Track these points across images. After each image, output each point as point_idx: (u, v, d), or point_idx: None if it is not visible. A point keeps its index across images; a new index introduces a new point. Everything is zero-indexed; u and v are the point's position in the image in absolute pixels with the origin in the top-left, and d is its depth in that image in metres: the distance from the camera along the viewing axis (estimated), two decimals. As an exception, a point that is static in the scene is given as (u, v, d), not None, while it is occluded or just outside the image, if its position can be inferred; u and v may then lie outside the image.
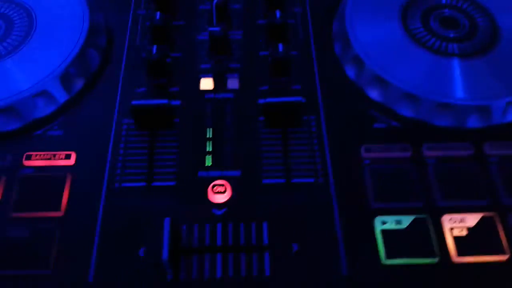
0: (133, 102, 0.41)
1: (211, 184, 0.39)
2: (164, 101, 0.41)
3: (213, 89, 0.45)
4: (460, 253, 0.36)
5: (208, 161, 0.41)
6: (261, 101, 0.41)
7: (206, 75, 0.46)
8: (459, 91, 0.42)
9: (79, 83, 0.44)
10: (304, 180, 0.40)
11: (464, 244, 0.37)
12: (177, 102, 0.44)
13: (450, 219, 0.38)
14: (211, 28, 0.45)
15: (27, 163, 0.40)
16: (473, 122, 0.42)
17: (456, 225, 0.38)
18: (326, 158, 0.41)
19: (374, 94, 0.44)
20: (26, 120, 0.42)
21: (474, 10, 0.48)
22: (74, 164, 0.40)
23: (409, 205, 0.38)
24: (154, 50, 0.43)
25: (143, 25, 0.49)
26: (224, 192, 0.39)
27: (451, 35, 0.46)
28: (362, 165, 0.40)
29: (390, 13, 0.47)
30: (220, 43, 0.46)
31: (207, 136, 0.42)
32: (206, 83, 0.45)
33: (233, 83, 0.45)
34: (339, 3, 0.50)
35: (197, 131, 0.42)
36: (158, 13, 0.46)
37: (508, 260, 0.36)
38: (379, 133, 0.42)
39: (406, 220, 0.38)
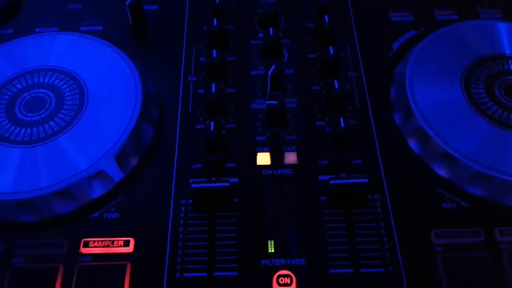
0: (193, 186, 0.40)
1: (276, 275, 0.38)
2: (225, 184, 0.40)
3: (271, 164, 0.44)
4: None
5: (271, 247, 0.39)
6: (330, 181, 0.39)
7: (262, 149, 0.44)
8: (532, 169, 0.41)
9: (134, 160, 0.43)
10: (374, 270, 0.38)
11: None
12: (235, 180, 0.43)
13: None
14: (268, 102, 0.44)
15: (84, 250, 0.39)
16: (548, 203, 0.41)
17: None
18: (395, 243, 0.39)
19: (441, 170, 0.42)
20: (82, 202, 0.41)
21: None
22: (133, 252, 0.39)
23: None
24: (212, 127, 0.42)
25: (195, 93, 0.48)
26: (290, 284, 0.37)
27: (518, 105, 0.44)
28: (434, 252, 0.38)
29: (452, 79, 0.46)
30: (277, 116, 0.44)
31: (269, 218, 0.41)
32: (263, 158, 0.44)
33: (291, 157, 0.44)
34: (396, 66, 0.49)
35: (257, 213, 0.41)
36: (213, 84, 0.45)
37: None
38: (449, 215, 0.40)
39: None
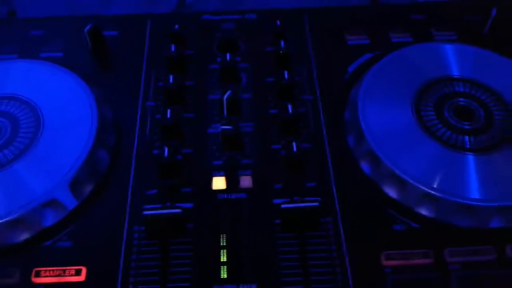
0: (145, 212, 0.40)
1: (228, 301, 0.38)
2: (178, 210, 0.40)
3: (226, 188, 0.44)
4: None
5: (223, 273, 0.40)
6: (281, 205, 0.40)
7: (218, 173, 0.45)
8: (478, 190, 0.41)
9: (88, 187, 0.43)
10: (325, 293, 0.38)
11: None
12: (190, 205, 0.43)
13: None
14: (223, 127, 0.44)
15: (36, 280, 0.38)
16: (496, 223, 0.42)
17: None
18: (346, 266, 0.39)
19: (391, 192, 0.43)
20: (34, 231, 0.40)
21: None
22: (84, 280, 0.38)
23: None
24: (166, 152, 0.43)
25: (153, 118, 0.48)
26: (242, 309, 0.38)
27: (466, 127, 0.45)
28: (384, 274, 0.39)
29: (403, 102, 0.46)
30: (232, 140, 0.45)
31: (221, 244, 0.41)
32: (219, 183, 0.44)
33: (246, 181, 0.44)
34: (351, 89, 0.50)
35: (211, 238, 0.41)
36: (169, 110, 0.45)
37: None
38: (399, 236, 0.41)
39: None
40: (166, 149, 0.43)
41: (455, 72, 0.49)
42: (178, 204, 0.42)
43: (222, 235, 0.41)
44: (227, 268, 0.39)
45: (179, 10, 0.65)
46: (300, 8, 0.58)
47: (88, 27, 0.52)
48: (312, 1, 0.67)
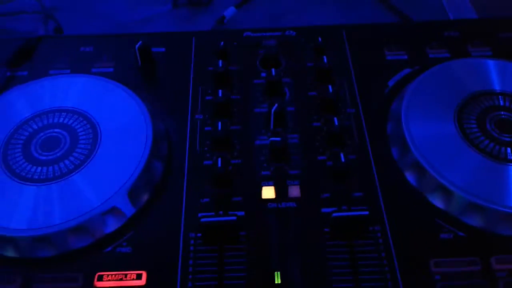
0: (202, 220, 0.42)
1: (283, 305, 0.40)
2: (233, 218, 0.42)
3: (275, 198, 0.46)
4: None
5: (277, 279, 0.41)
6: (332, 214, 0.41)
7: (267, 182, 0.47)
8: (525, 200, 0.43)
9: (144, 196, 0.45)
10: (377, 300, 0.40)
11: None
12: (241, 213, 0.44)
13: None
14: (272, 138, 0.46)
15: (99, 284, 0.40)
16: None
17: None
18: (397, 273, 0.41)
19: (437, 201, 0.44)
20: (95, 237, 0.43)
21: None
22: (145, 285, 0.40)
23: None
24: (219, 162, 0.45)
25: (202, 130, 0.50)
26: (297, 313, 0.39)
27: (507, 139, 0.47)
28: (433, 281, 0.40)
29: (445, 115, 0.48)
30: (280, 151, 0.47)
31: (275, 250, 0.42)
32: (268, 192, 0.46)
33: (295, 191, 0.46)
34: (392, 103, 0.52)
35: (264, 245, 0.42)
36: (220, 122, 0.48)
37: None
38: (446, 245, 0.42)
39: None
40: (220, 160, 0.45)
41: (496, 86, 0.50)
42: (230, 212, 0.44)
43: (274, 243, 0.43)
44: (280, 274, 0.41)
45: (218, 28, 0.68)
46: (338, 25, 0.61)
47: (138, 43, 0.54)
48: (336, 18, 0.69)
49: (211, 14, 0.73)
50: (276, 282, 0.41)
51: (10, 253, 0.42)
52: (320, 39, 0.56)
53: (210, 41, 0.58)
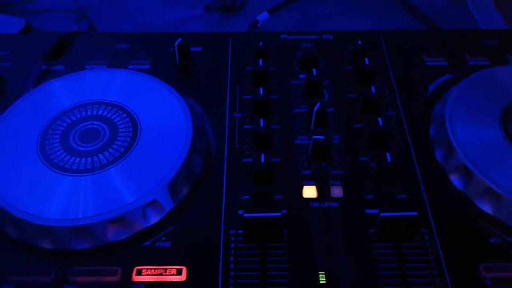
0: (246, 215, 0.41)
1: (329, 307, 0.38)
2: (278, 214, 0.41)
3: (317, 197, 0.45)
4: None
5: (322, 279, 0.40)
6: (380, 214, 0.40)
7: (308, 182, 0.46)
8: None
9: (184, 190, 0.44)
10: (428, 306, 0.38)
11: None
12: (283, 212, 0.43)
13: None
14: (315, 136, 0.46)
15: (137, 278, 0.39)
16: None
17: None
18: (446, 277, 0.39)
19: (484, 206, 0.43)
20: (135, 230, 0.42)
21: None
22: (185, 280, 0.39)
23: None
24: (262, 159, 0.44)
25: (240, 128, 0.49)
26: (344, 315, 0.38)
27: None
28: (484, 286, 0.39)
29: (490, 119, 0.47)
30: (322, 150, 0.46)
31: (318, 250, 0.41)
32: (310, 191, 0.45)
33: (337, 191, 0.45)
34: (434, 107, 0.51)
35: (306, 244, 0.41)
36: (262, 120, 0.47)
37: None
38: (495, 250, 0.41)
39: None
40: (263, 156, 0.44)
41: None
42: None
43: (317, 242, 0.41)
44: (325, 274, 0.40)
45: (251, 30, 0.68)
46: (376, 30, 0.60)
47: (178, 41, 0.54)
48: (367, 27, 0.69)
49: (242, 19, 0.73)
50: (320, 282, 0.40)
51: (45, 244, 0.41)
52: (360, 42, 0.56)
53: (246, 42, 0.58)
